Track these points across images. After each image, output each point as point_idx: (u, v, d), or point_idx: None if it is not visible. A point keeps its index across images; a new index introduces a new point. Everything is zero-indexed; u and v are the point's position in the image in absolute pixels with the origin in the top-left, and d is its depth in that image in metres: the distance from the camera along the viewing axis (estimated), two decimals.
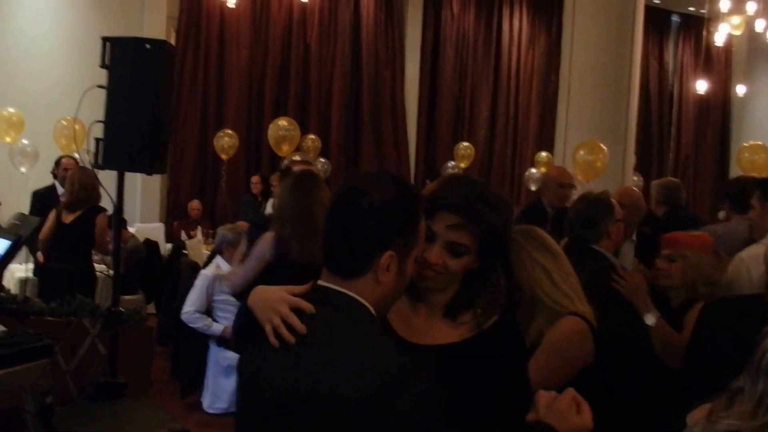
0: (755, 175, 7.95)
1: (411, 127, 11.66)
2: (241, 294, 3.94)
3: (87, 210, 5.44)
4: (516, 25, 12.47)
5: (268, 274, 3.51)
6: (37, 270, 6.08)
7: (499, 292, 1.73)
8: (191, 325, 5.18)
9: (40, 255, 5.81)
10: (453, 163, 11.06)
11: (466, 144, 11.31)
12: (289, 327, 1.41)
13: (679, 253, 3.12)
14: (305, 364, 1.37)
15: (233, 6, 9.41)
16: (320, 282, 1.47)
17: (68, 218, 5.44)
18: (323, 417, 1.33)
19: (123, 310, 4.10)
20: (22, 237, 3.85)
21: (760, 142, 9.34)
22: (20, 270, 6.50)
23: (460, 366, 1.60)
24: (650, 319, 2.96)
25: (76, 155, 7.96)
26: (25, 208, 6.65)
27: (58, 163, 6.82)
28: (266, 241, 3.57)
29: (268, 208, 6.03)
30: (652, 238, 3.90)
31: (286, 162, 4.80)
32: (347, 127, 11.02)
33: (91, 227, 5.44)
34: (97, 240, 5.48)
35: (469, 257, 1.65)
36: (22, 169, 7.72)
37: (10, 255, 3.66)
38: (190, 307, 5.18)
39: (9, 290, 5.36)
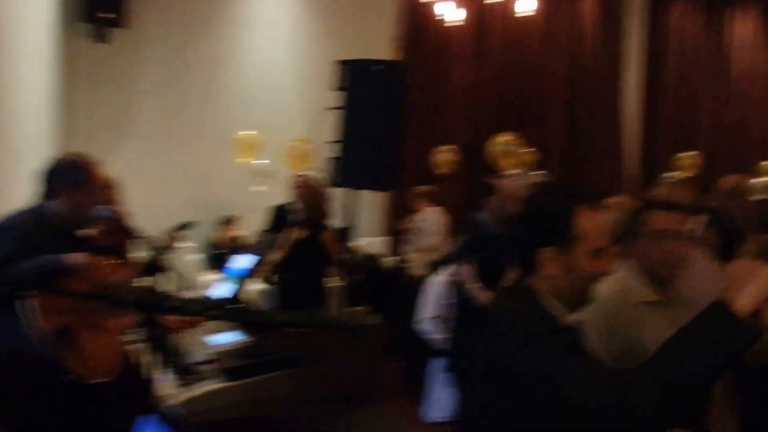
0: None
1: (630, 137, 10.88)
2: None
3: (315, 227, 5.39)
4: (747, 31, 11.18)
5: None
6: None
7: None
8: (425, 335, 5.03)
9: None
10: (671, 173, 10.12)
11: (689, 153, 10.32)
12: None
13: None
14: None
15: (461, 23, 9.23)
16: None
17: (300, 235, 5.47)
18: None
19: (364, 321, 4.01)
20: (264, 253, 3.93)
21: None
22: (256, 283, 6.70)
23: None
24: None
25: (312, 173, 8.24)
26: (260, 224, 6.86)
27: (293, 180, 6.95)
28: None
29: None
30: None
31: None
32: (566, 140, 10.45)
33: (319, 243, 5.40)
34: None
35: None
36: (259, 188, 8.10)
37: (255, 269, 3.75)
38: (423, 316, 5.04)
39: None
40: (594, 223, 1.63)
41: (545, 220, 1.65)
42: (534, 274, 1.67)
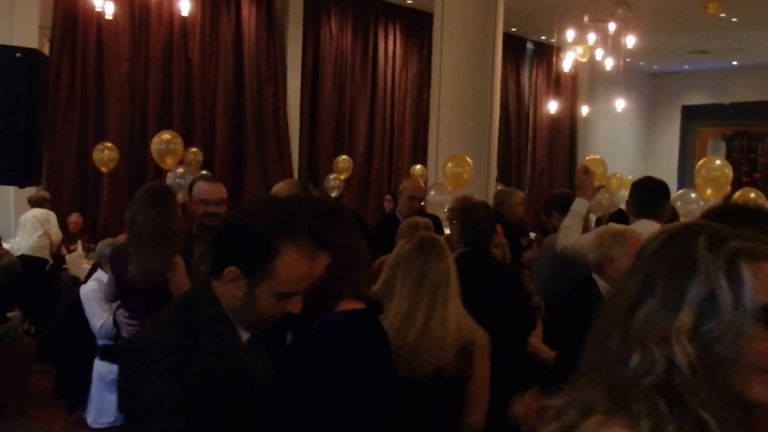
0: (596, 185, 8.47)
1: (294, 141, 11.37)
2: None
3: None
4: (390, 47, 12.49)
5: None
6: None
7: None
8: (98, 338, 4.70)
9: None
10: (334, 175, 10.90)
11: (344, 157, 11.18)
12: None
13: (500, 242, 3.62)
14: None
15: (111, 18, 8.77)
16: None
17: None
18: None
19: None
20: None
21: (597, 156, 9.91)
22: None
23: None
24: None
25: None
26: None
27: None
28: None
29: None
30: None
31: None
32: (231, 141, 10.57)
33: None
34: None
35: None
36: None
37: None
38: (98, 322, 4.70)
39: None
40: (294, 268, 1.43)
41: (243, 239, 1.44)
42: (216, 281, 1.48)
